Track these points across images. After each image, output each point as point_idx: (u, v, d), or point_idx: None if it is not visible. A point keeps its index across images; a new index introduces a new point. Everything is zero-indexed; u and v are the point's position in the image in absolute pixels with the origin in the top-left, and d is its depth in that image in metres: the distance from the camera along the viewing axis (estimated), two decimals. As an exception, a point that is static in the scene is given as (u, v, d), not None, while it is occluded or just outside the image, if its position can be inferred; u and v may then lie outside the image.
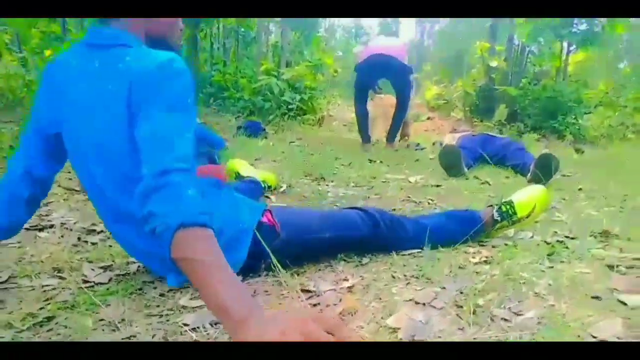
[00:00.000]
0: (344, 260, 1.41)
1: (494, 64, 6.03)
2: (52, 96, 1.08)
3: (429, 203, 2.25)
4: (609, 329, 1.02)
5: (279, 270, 1.07)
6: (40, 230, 1.61)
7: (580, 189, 2.72)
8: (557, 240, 1.68)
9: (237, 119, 5.87)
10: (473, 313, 1.06)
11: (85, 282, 1.20)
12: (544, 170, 2.71)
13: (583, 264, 1.45)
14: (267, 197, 2.24)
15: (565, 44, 6.13)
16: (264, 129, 4.90)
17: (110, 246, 1.49)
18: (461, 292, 1.18)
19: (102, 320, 0.97)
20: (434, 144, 4.74)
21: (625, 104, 5.87)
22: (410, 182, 2.77)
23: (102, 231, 1.64)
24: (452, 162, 2.89)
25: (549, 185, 2.81)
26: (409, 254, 1.47)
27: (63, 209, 1.84)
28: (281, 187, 2.38)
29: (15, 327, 0.95)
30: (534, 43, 5.44)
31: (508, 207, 1.67)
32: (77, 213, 1.82)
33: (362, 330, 0.92)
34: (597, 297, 1.19)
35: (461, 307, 1.10)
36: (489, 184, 2.82)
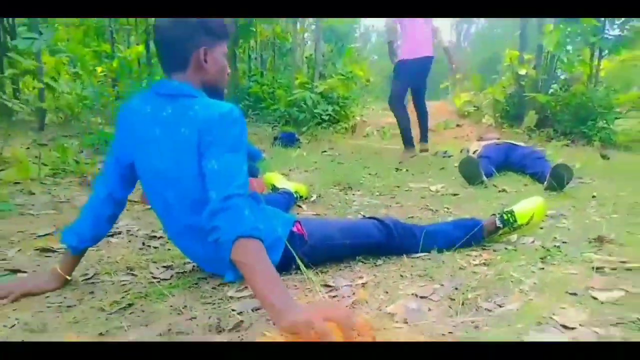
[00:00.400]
0: (362, 261, 1.67)
1: (522, 71, 6.12)
2: (127, 134, 1.40)
3: (445, 211, 2.48)
4: (574, 317, 1.25)
5: (304, 270, 1.35)
6: (111, 236, 1.94)
7: (594, 196, 2.87)
8: (555, 245, 1.88)
9: (274, 129, 6.21)
10: (462, 304, 1.30)
11: (153, 277, 1.51)
12: (558, 180, 2.88)
13: (573, 266, 1.66)
14: (299, 206, 2.53)
15: (596, 50, 6.16)
16: (298, 139, 5.21)
17: (169, 249, 1.81)
18: (456, 288, 1.42)
19: (170, 306, 1.27)
20: (461, 151, 4.91)
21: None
22: (431, 190, 3.00)
23: (161, 237, 1.96)
24: (471, 172, 3.09)
25: (564, 192, 2.97)
26: (417, 257, 1.71)
27: (128, 219, 2.18)
28: (312, 196, 2.66)
29: (106, 310, 1.26)
30: (562, 51, 5.50)
31: (509, 215, 1.89)
32: (139, 221, 2.15)
33: (367, 315, 1.18)
34: (574, 294, 1.41)
35: (453, 299, 1.34)
36: (506, 192, 3.01)
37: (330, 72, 6.71)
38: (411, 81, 4.35)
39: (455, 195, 2.84)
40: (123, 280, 1.50)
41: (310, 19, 7.20)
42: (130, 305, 1.30)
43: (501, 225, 1.88)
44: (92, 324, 1.17)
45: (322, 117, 5.55)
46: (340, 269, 1.59)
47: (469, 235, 1.81)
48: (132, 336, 1.09)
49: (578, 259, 1.72)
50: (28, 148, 3.87)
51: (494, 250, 1.82)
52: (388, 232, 1.68)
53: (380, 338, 1.04)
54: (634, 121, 6.00)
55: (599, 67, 6.47)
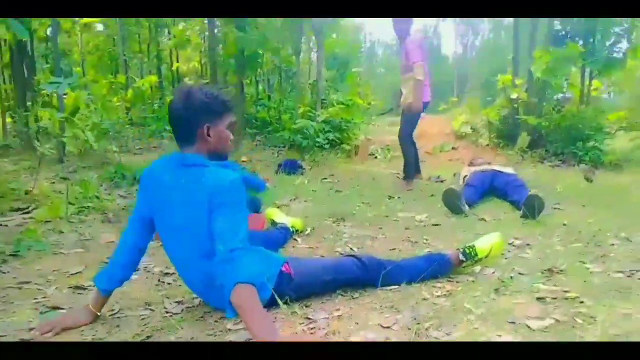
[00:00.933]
0: (341, 294, 1.98)
1: (514, 95, 6.43)
2: (148, 197, 1.74)
3: (424, 242, 2.78)
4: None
5: (289, 305, 1.67)
6: (131, 273, 2.28)
7: (564, 224, 3.15)
8: (510, 276, 2.18)
9: (279, 154, 6.56)
10: (415, 333, 1.61)
11: (167, 312, 1.84)
12: (530, 210, 3.17)
13: (521, 296, 1.95)
14: (295, 239, 2.85)
15: (586, 72, 6.44)
16: (301, 166, 5.54)
17: (180, 285, 2.14)
18: (414, 319, 1.73)
19: (179, 337, 1.60)
20: (454, 175, 5.20)
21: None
22: (416, 220, 3.30)
23: (173, 273, 2.29)
24: (453, 203, 3.39)
25: (538, 220, 3.25)
26: (389, 289, 2.02)
27: (145, 256, 2.52)
28: (306, 230, 2.98)
29: (129, 341, 1.59)
30: (550, 76, 5.79)
31: (471, 249, 2.20)
32: (154, 257, 2.49)
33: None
34: (512, 322, 1.70)
35: (410, 329, 1.64)
36: (485, 221, 3.30)
37: (332, 99, 7.07)
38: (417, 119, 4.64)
39: (436, 225, 3.15)
40: (142, 315, 1.83)
41: (313, 46, 7.58)
42: (148, 337, 1.62)
43: (464, 259, 2.18)
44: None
45: (324, 145, 5.90)
46: (322, 302, 1.91)
47: (437, 268, 2.11)
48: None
49: (527, 289, 2.02)
50: (53, 182, 4.26)
51: (457, 282, 2.12)
52: (364, 267, 1.99)
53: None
54: (623, 140, 6.25)
55: (590, 87, 6.75)
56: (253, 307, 1.41)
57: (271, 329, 1.37)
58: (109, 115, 6.00)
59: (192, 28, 7.03)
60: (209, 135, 1.68)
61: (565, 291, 1.98)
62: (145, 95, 8.92)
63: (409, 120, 4.54)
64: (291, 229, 2.85)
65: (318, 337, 1.58)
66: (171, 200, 1.67)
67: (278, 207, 3.60)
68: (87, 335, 1.65)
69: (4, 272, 2.19)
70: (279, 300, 1.65)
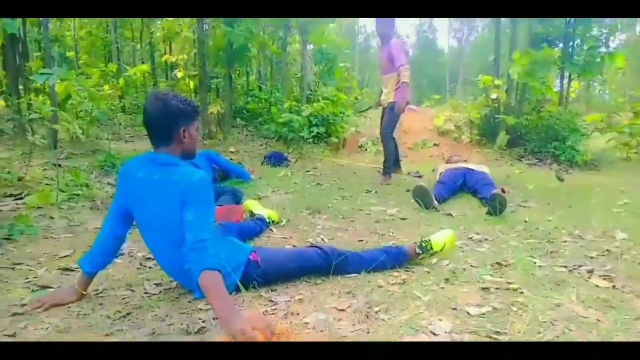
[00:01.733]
0: (306, 281, 2.19)
1: (494, 95, 6.65)
2: (125, 191, 1.92)
3: (390, 235, 2.99)
4: (443, 327, 1.76)
5: (256, 289, 1.87)
6: (116, 257, 2.47)
7: (525, 221, 3.38)
8: (463, 268, 2.39)
9: (267, 147, 6.73)
10: (365, 316, 1.82)
11: (145, 293, 2.04)
12: (493, 207, 3.40)
13: (467, 286, 2.17)
14: (270, 229, 3.05)
15: (565, 74, 6.65)
16: (287, 159, 5.73)
17: (159, 269, 2.33)
18: (367, 303, 1.94)
19: (155, 315, 1.80)
20: (433, 170, 5.41)
21: (621, 129, 6.34)
22: (387, 214, 3.51)
23: (154, 258, 2.48)
24: (423, 199, 3.60)
25: (502, 216, 3.48)
26: (349, 277, 2.22)
27: (129, 241, 2.71)
28: (282, 221, 3.18)
29: (111, 318, 1.79)
30: (527, 80, 6.00)
31: (427, 243, 2.41)
32: (138, 244, 2.68)
33: (288, 323, 1.70)
34: (454, 308, 1.92)
35: (361, 312, 1.85)
36: (452, 216, 3.52)
37: (319, 94, 7.24)
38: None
39: (404, 219, 3.36)
40: (124, 294, 2.03)
41: (298, 40, 7.70)
42: (128, 314, 1.82)
43: (420, 252, 2.39)
44: (100, 327, 1.70)
45: (307, 139, 6.08)
46: (286, 287, 2.11)
47: (394, 260, 2.33)
48: (129, 336, 1.62)
49: (474, 280, 2.23)
50: (45, 169, 4.42)
51: (412, 272, 2.33)
52: (326, 257, 2.19)
53: (292, 338, 1.56)
54: (599, 140, 6.49)
55: (569, 89, 6.97)
56: (217, 290, 1.61)
57: (232, 310, 1.57)
58: (98, 104, 6.14)
59: (182, 20, 7.15)
60: (184, 137, 1.88)
61: (509, 282, 2.19)
62: (137, 84, 9.04)
63: (392, 119, 4.74)
64: (267, 220, 3.04)
65: (278, 317, 1.79)
66: (146, 196, 1.85)
67: (259, 199, 3.80)
68: (74, 310, 1.84)
69: (-2, 254, 2.37)
70: (241, 287, 1.85)
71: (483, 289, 2.13)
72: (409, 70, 4.52)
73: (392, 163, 4.85)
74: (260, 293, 1.99)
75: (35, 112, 4.66)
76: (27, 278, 2.13)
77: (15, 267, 2.24)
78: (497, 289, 2.13)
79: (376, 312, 1.86)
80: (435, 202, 3.65)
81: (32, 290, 2.00)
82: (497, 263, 2.45)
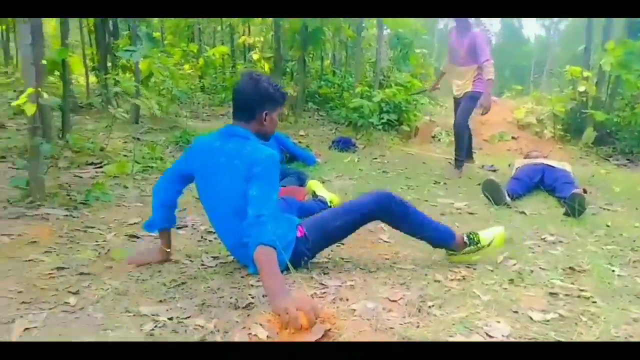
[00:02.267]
0: (360, 268, 2.14)
1: (582, 88, 6.12)
2: (195, 157, 1.98)
3: (455, 228, 2.84)
4: (500, 330, 1.64)
5: (308, 270, 1.86)
6: (179, 228, 2.56)
7: (607, 226, 3.09)
8: (530, 270, 2.23)
9: (336, 132, 6.69)
10: (417, 309, 1.74)
11: (202, 264, 2.09)
12: (571, 208, 3.13)
13: (533, 289, 2.01)
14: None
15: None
16: (354, 144, 5.66)
17: (219, 243, 2.38)
18: (420, 296, 1.86)
19: (208, 287, 1.83)
20: (509, 165, 5.12)
21: None
22: (455, 208, 3.35)
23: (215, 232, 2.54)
24: (493, 194, 3.40)
25: (581, 218, 3.21)
26: (406, 269, 2.14)
27: (193, 214, 2.80)
28: (343, 206, 3.12)
29: (167, 285, 1.85)
30: (621, 72, 5.44)
31: (474, 235, 2.27)
32: (202, 217, 2.75)
33: (335, 309, 1.66)
34: (516, 312, 1.79)
35: (414, 305, 1.78)
36: (525, 214, 3.30)
37: (392, 80, 7.07)
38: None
39: (472, 214, 3.19)
40: (182, 265, 2.09)
41: (375, 25, 7.54)
42: (183, 283, 1.87)
43: (467, 242, 2.25)
44: (155, 293, 1.76)
45: (376, 126, 5.96)
46: (339, 272, 2.07)
47: (440, 235, 2.24)
48: (180, 305, 1.66)
49: (542, 283, 2.07)
50: (125, 142, 4.69)
51: (474, 269, 2.20)
52: (388, 199, 2.11)
53: (337, 324, 1.52)
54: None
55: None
56: (270, 266, 1.61)
57: (281, 288, 1.56)
58: (178, 82, 6.39)
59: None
60: (265, 120, 1.94)
61: (582, 290, 2.01)
62: (216, 65, 9.31)
63: (469, 108, 4.53)
64: (328, 204, 3.01)
65: (326, 301, 1.75)
66: (215, 162, 1.91)
67: (323, 182, 3.77)
68: (133, 275, 1.92)
69: (74, 217, 2.54)
70: (290, 267, 1.82)
71: (551, 294, 1.97)
72: (492, 66, 4.28)
73: (464, 155, 4.64)
74: (312, 275, 1.97)
75: (121, 88, 4.94)
76: (96, 241, 2.26)
77: (87, 230, 2.38)
78: (566, 295, 1.96)
79: (429, 306, 1.78)
80: (508, 198, 3.44)
81: (98, 254, 2.12)
82: (569, 268, 2.26)
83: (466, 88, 4.44)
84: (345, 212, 2.12)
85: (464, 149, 4.58)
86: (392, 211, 2.13)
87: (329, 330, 1.45)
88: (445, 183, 4.21)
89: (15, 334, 1.41)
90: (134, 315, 1.58)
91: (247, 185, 1.80)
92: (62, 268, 1.91)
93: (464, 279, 2.09)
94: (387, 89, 6.39)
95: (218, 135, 1.98)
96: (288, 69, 8.08)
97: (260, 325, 1.51)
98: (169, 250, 2.10)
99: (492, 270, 2.20)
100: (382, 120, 6.07)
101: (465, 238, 2.24)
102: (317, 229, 2.07)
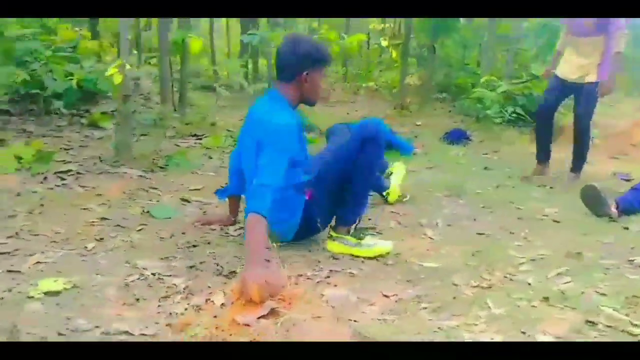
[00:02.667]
0: (377, 260, 2.02)
1: None
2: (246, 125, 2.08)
3: (523, 237, 2.49)
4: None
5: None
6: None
7: None
8: (582, 291, 1.85)
9: (460, 124, 6.27)
10: (405, 310, 1.60)
11: (226, 233, 2.19)
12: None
13: (572, 313, 1.69)
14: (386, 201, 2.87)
15: None
16: (467, 137, 5.27)
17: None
18: (418, 297, 1.70)
19: (213, 252, 1.92)
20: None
21: None
22: (541, 213, 2.92)
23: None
24: (592, 202, 2.87)
25: None
26: (426, 267, 1.97)
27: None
28: (406, 197, 2.94)
29: (177, 246, 1.98)
30: None
31: (364, 233, 2.10)
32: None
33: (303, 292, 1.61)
34: (523, 332, 1.54)
35: (404, 304, 1.64)
36: (628, 229, 2.74)
37: (528, 71, 6.36)
38: None
39: (556, 222, 2.75)
40: (208, 231, 2.20)
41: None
42: (194, 246, 2.00)
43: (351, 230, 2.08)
44: (163, 251, 1.91)
45: (495, 118, 5.43)
46: (352, 258, 1.99)
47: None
48: (175, 263, 1.79)
49: (586, 309, 1.71)
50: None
51: (511, 279, 1.93)
52: (375, 123, 2.08)
53: (295, 307, 1.48)
54: None
55: None
56: (254, 236, 1.65)
57: (258, 258, 1.58)
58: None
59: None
60: (306, 80, 1.93)
61: (634, 325, 1.64)
62: (354, 52, 9.42)
63: (592, 104, 3.86)
64: (385, 195, 2.87)
65: (314, 282, 1.72)
66: (246, 128, 2.06)
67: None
68: (160, 232, 2.11)
69: (146, 178, 2.84)
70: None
71: (588, 321, 1.63)
72: (626, 37, 3.51)
73: (584, 159, 3.97)
74: (319, 257, 1.94)
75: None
76: (150, 200, 2.51)
77: (150, 190, 2.66)
78: (608, 326, 1.61)
79: (422, 308, 1.63)
80: (613, 210, 2.88)
81: (143, 211, 2.35)
82: (634, 296, 1.84)
83: (588, 72, 3.69)
84: (336, 160, 2.09)
85: (585, 153, 3.94)
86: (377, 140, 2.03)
87: (275, 309, 1.42)
88: (551, 187, 3.69)
89: (28, 264, 1.67)
90: (130, 266, 1.75)
91: (256, 154, 1.85)
92: (105, 219, 2.18)
93: (489, 287, 1.85)
94: (518, 80, 5.79)
95: (260, 98, 2.05)
96: (415, 58, 7.82)
97: (224, 292, 1.55)
98: (234, 218, 2.24)
99: (529, 284, 1.90)
100: (508, 114, 5.51)
101: (352, 228, 2.07)
102: (320, 190, 2.04)
